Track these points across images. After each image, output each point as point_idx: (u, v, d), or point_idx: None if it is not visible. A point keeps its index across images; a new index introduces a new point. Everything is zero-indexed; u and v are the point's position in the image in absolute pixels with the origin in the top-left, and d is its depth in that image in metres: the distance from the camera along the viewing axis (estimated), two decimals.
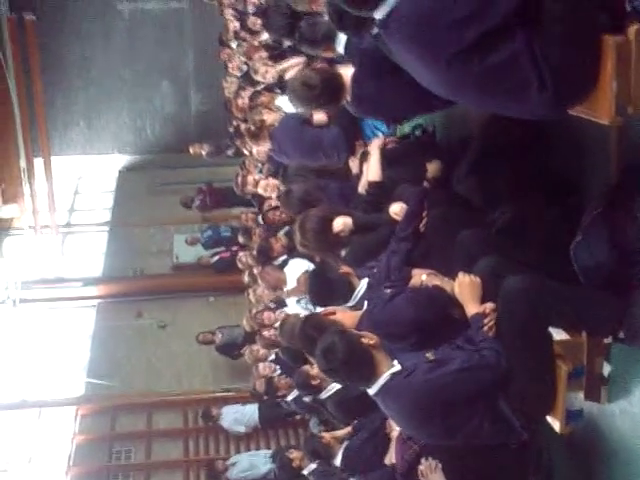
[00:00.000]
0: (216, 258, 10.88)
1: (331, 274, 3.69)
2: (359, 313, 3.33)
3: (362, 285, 3.61)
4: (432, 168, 3.92)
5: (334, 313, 3.33)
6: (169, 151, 13.29)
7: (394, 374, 2.75)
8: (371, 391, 2.80)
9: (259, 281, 6.91)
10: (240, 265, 8.04)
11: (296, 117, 5.30)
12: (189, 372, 10.16)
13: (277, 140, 5.48)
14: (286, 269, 6.27)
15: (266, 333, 6.81)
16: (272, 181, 6.55)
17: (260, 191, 6.79)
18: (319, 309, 3.89)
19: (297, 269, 5.69)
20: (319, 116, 5.16)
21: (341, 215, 3.96)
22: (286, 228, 6.66)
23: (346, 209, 4.17)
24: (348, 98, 3.33)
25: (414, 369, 2.75)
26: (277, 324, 5.91)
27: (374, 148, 4.39)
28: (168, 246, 12.03)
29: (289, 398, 6.81)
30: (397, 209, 3.90)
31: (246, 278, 7.65)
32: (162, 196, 12.60)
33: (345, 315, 3.36)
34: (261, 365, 7.19)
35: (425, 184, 3.75)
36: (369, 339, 2.80)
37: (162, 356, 10.37)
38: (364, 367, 2.76)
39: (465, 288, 2.91)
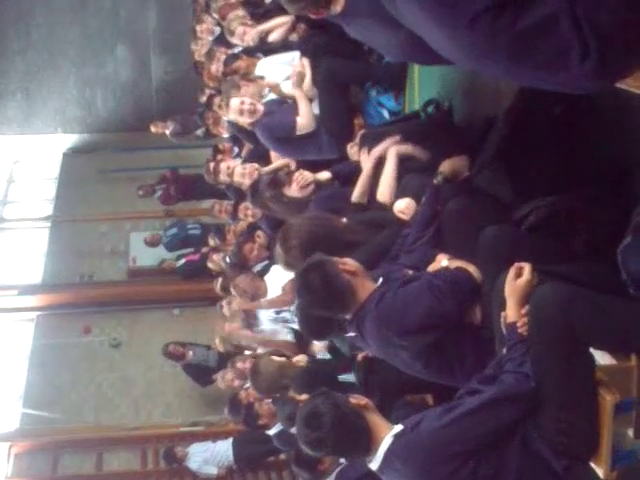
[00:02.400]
0: (182, 261, 10.88)
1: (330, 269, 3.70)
2: (372, 287, 3.33)
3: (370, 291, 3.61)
4: (448, 165, 3.90)
5: (355, 273, 3.31)
6: (125, 129, 13.27)
7: (397, 435, 2.77)
8: (373, 465, 2.81)
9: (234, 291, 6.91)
10: (212, 268, 8.03)
11: (276, 134, 5.39)
12: (149, 401, 10.17)
13: (257, 132, 5.52)
14: (267, 277, 6.28)
15: (240, 365, 6.86)
16: (251, 166, 6.53)
17: (237, 180, 6.78)
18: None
19: (281, 277, 5.70)
20: (303, 121, 5.19)
21: (334, 221, 3.99)
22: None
23: (339, 214, 4.22)
24: (338, 8, 3.30)
25: (421, 419, 2.76)
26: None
27: (391, 156, 4.35)
28: (123, 247, 12.02)
29: (271, 432, 6.81)
30: (403, 206, 3.91)
31: (219, 286, 7.63)
32: (116, 185, 12.59)
33: (364, 282, 3.34)
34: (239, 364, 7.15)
35: (435, 181, 3.76)
36: (358, 400, 2.86)
37: (115, 382, 10.36)
38: (358, 434, 2.79)
39: (520, 287, 2.90)
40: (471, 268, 3.27)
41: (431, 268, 3.44)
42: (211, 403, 9.63)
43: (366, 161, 4.53)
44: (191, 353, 9.49)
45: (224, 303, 7.39)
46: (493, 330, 3.03)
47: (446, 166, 3.81)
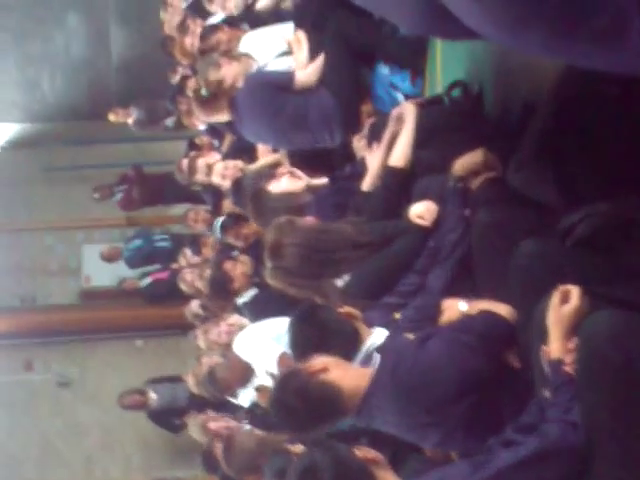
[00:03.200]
0: (148, 281, 10.91)
1: (327, 316, 3.73)
2: (368, 371, 3.34)
3: (374, 337, 3.63)
4: (460, 166, 3.89)
5: (325, 369, 3.33)
6: (77, 118, 13.27)
7: None
8: None
9: (212, 316, 6.90)
10: (184, 289, 8.03)
11: (269, 78, 5.38)
12: (105, 454, 10.20)
13: (240, 111, 5.52)
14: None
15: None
16: (234, 165, 6.54)
17: (216, 180, 6.77)
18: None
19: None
20: (303, 76, 5.22)
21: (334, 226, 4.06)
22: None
23: (343, 211, 4.22)
24: None
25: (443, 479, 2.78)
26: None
27: (409, 113, 4.42)
28: (74, 262, 12.06)
29: None
30: (422, 210, 3.93)
31: (193, 311, 7.62)
32: (65, 186, 12.60)
33: (345, 371, 3.36)
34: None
35: (452, 184, 3.78)
36: (365, 453, 2.89)
37: (64, 430, 10.38)
38: None
39: (567, 315, 2.90)
40: (500, 308, 3.28)
41: (447, 318, 3.45)
42: (181, 454, 9.64)
43: (374, 155, 4.55)
44: (154, 397, 9.48)
45: (199, 332, 7.38)
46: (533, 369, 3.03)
47: (458, 167, 3.83)
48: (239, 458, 5.45)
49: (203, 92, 5.58)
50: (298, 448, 4.88)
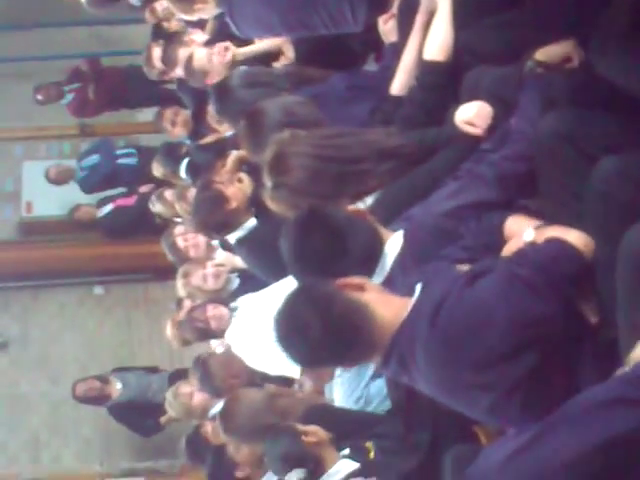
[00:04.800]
0: (108, 208, 10.91)
1: (337, 216, 3.80)
2: (407, 301, 3.36)
3: (395, 241, 3.71)
4: (545, 53, 3.90)
5: (362, 287, 3.36)
6: None
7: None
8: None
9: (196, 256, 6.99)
10: (159, 212, 8.06)
11: None
12: (54, 436, 10.26)
13: None
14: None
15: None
16: (221, 47, 6.49)
17: (198, 66, 6.70)
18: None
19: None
20: None
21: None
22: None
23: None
24: None
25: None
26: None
27: None
28: (12, 185, 12.09)
29: None
30: (472, 114, 3.97)
31: (172, 248, 7.66)
32: None
33: (385, 297, 3.38)
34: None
35: (531, 65, 3.78)
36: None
37: (0, 405, 10.44)
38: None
39: None
40: (574, 237, 3.26)
41: (508, 248, 3.45)
42: (155, 438, 9.72)
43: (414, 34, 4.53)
44: (119, 386, 9.51)
45: (178, 275, 7.37)
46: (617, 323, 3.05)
47: (543, 53, 3.80)
48: (244, 417, 5.51)
49: None
50: (311, 427, 4.97)
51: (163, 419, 9.09)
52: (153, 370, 9.62)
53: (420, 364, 3.24)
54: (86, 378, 9.56)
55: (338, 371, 5.43)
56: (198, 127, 7.92)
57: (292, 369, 5.55)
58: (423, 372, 3.27)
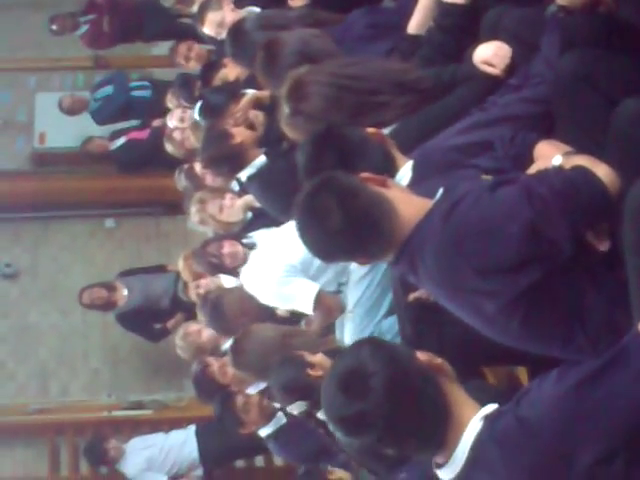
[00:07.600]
0: (121, 141, 10.88)
1: (350, 134, 3.82)
2: (427, 202, 3.36)
3: (408, 169, 3.73)
4: None
5: (385, 183, 3.37)
6: None
7: (490, 418, 2.81)
8: (447, 472, 2.83)
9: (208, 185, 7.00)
10: (171, 151, 8.06)
11: None
12: (62, 369, 10.29)
13: None
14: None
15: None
16: None
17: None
18: None
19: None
20: None
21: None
22: None
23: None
24: None
25: (528, 390, 2.81)
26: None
27: None
28: (25, 116, 12.05)
29: (262, 432, 6.93)
30: (490, 53, 3.96)
31: (188, 173, 7.66)
32: (11, 15, 12.48)
33: (407, 196, 3.41)
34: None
35: (553, 9, 3.76)
36: (430, 358, 2.92)
37: (9, 335, 10.51)
38: (429, 412, 2.83)
39: None
40: (600, 169, 3.24)
41: (535, 168, 3.44)
42: (163, 371, 9.75)
43: None
44: (125, 292, 9.53)
45: (193, 201, 7.35)
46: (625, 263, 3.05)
47: None
48: (256, 351, 5.56)
49: None
50: (317, 358, 4.98)
51: (170, 323, 9.13)
52: (157, 270, 9.64)
53: (428, 262, 3.26)
54: (92, 285, 9.57)
55: (350, 305, 5.43)
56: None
57: (305, 303, 5.55)
58: (430, 271, 3.29)
